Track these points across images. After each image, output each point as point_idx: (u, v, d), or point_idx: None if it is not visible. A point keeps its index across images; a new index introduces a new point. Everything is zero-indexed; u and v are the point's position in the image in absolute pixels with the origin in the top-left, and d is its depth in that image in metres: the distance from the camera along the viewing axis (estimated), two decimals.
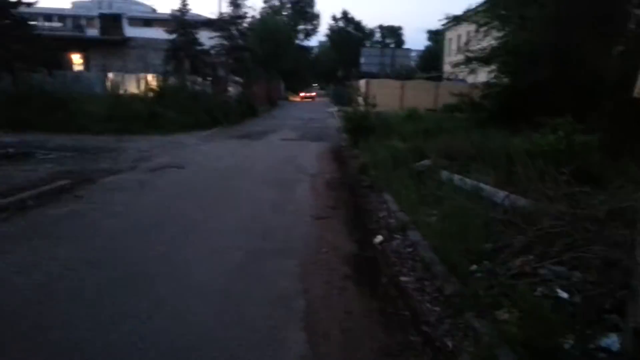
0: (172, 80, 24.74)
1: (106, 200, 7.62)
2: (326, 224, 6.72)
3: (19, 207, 6.88)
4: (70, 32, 39.72)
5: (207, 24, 33.32)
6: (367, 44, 76.66)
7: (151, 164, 11.10)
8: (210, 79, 29.95)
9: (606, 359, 2.93)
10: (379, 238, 5.93)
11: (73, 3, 48.14)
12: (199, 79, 28.21)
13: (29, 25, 27.97)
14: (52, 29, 36.54)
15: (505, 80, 17.17)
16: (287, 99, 58.10)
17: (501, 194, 5.86)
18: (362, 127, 14.10)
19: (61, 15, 43.14)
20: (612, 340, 3.05)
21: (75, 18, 43.11)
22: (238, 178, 9.91)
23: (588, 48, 12.77)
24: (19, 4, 27.11)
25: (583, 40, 12.95)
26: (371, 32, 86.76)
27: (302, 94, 65.11)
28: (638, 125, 3.80)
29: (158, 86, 22.95)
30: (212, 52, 32.27)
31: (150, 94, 21.90)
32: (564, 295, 3.62)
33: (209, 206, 7.55)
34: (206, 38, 32.43)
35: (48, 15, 40.39)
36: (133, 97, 21.39)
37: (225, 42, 32.44)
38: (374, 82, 32.67)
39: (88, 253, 5.22)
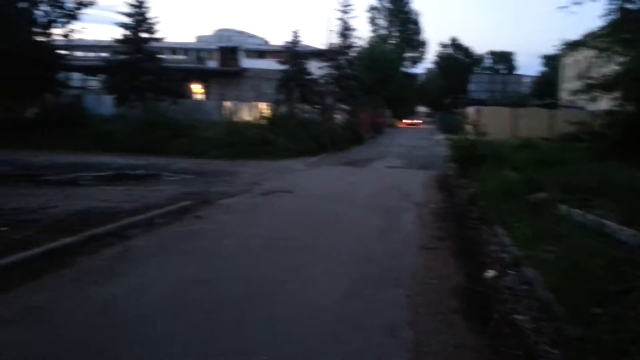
0: (282, 108, 25.93)
1: (222, 221, 8.13)
2: (433, 254, 6.62)
3: (148, 223, 7.57)
4: (192, 64, 43.20)
5: (317, 54, 34.64)
6: (477, 70, 74.82)
7: (262, 187, 11.67)
8: (318, 107, 30.96)
9: None
10: (490, 272, 5.73)
11: (197, 37, 52.45)
12: (308, 107, 29.26)
13: (158, 58, 30.91)
14: (176, 61, 40.06)
15: (630, 108, 15.92)
16: (392, 126, 58.14)
17: (628, 232, 5.43)
18: (470, 156, 13.75)
19: (185, 49, 47.16)
20: None
21: (197, 51, 46.91)
22: (344, 204, 10.09)
23: None
24: (150, 39, 30.13)
25: None
26: (481, 58, 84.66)
27: (405, 121, 65.42)
28: None
29: (269, 114, 24.16)
30: (321, 81, 33.40)
31: (263, 122, 23.10)
32: None
33: (316, 230, 7.77)
34: (315, 67, 33.71)
35: (174, 49, 44.34)
36: (246, 124, 22.74)
37: (333, 71, 33.45)
38: (484, 109, 31.78)
39: (205, 270, 5.60)
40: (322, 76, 33.67)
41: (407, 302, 4.86)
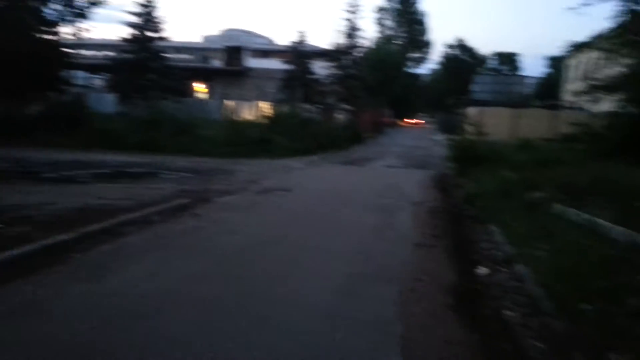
0: (284, 107, 26.00)
1: (219, 219, 8.17)
2: (428, 252, 6.67)
3: (145, 221, 7.61)
4: (197, 63, 43.28)
5: (322, 54, 34.68)
6: (481, 71, 74.71)
7: (260, 186, 11.71)
8: (320, 106, 31.01)
9: None
10: (482, 270, 5.76)
11: (204, 37, 52.55)
12: (310, 107, 29.33)
13: (162, 57, 31.04)
14: (181, 60, 40.13)
15: (633, 110, 15.92)
16: (393, 126, 58.16)
17: (620, 230, 5.45)
18: (469, 156, 13.78)
19: (191, 48, 47.24)
20: None
21: (203, 50, 47.00)
22: (341, 202, 10.13)
23: None
24: (156, 39, 30.25)
25: None
26: (485, 59, 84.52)
27: (406, 121, 66.50)
28: None
29: (271, 113, 24.23)
30: (324, 80, 33.45)
31: (264, 121, 23.17)
32: None
33: (312, 228, 7.81)
34: (319, 67, 33.76)
35: (179, 48, 44.43)
36: (247, 123, 22.83)
37: (337, 72, 33.48)
38: (485, 110, 31.75)
39: (201, 267, 5.64)
40: (325, 76, 33.70)
41: (399, 298, 4.91)
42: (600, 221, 6.16)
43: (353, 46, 34.99)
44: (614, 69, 17.24)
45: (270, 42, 52.64)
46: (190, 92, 41.25)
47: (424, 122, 72.04)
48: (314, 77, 33.65)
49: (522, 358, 3.70)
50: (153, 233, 7.07)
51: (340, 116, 32.37)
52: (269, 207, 9.41)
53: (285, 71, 33.79)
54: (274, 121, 22.78)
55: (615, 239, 5.40)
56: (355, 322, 4.28)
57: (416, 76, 76.48)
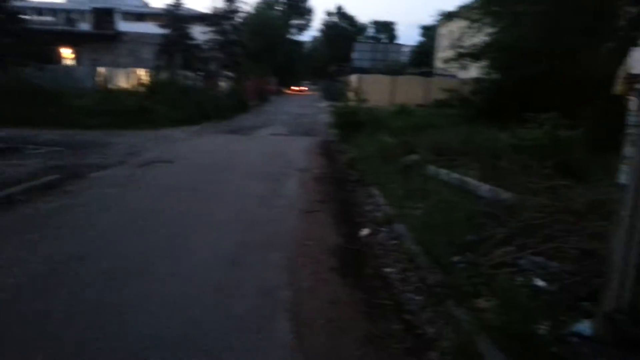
0: (163, 74, 24.66)
1: (95, 195, 7.64)
2: (314, 217, 6.80)
3: (8, 201, 6.88)
4: (62, 27, 39.37)
5: (201, 18, 33.20)
6: (360, 39, 76.66)
7: (140, 158, 11.11)
8: (201, 73, 29.88)
9: (578, 342, 3.03)
10: (365, 231, 6.02)
11: None
12: (190, 74, 28.13)
13: (21, 19, 27.75)
14: (43, 23, 36.19)
15: (496, 76, 17.32)
16: (278, 94, 58.05)
17: (485, 188, 5.96)
18: (351, 122, 14.18)
19: (53, 9, 42.80)
20: (584, 326, 3.15)
21: (67, 12, 42.77)
22: (227, 172, 9.95)
23: (578, 45, 12.91)
24: None
25: (573, 37, 13.10)
26: (364, 27, 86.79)
27: (293, 88, 68.38)
28: (620, 122, 3.86)
29: (149, 81, 22.89)
30: (205, 46, 32.16)
31: (141, 89, 21.84)
32: (541, 284, 3.72)
33: (198, 200, 7.59)
34: (199, 33, 32.31)
35: (40, 9, 40.08)
36: (123, 91, 21.35)
37: (217, 37, 32.35)
38: (365, 77, 32.74)
39: (76, 247, 5.26)
40: (205, 41, 32.38)
41: (287, 264, 4.97)
42: (469, 180, 6.69)
43: (233, 11, 33.93)
44: (479, 38, 18.56)
45: (145, 4, 49.40)
46: (57, 58, 37.53)
47: (308, 89, 72.96)
48: (194, 42, 32.12)
49: (401, 311, 3.95)
50: (19, 215, 6.44)
51: (223, 84, 31.48)
52: (150, 180, 8.97)
53: (162, 36, 31.88)
54: (152, 89, 21.51)
55: (482, 195, 5.89)
56: (243, 290, 4.28)
57: (299, 43, 76.65)
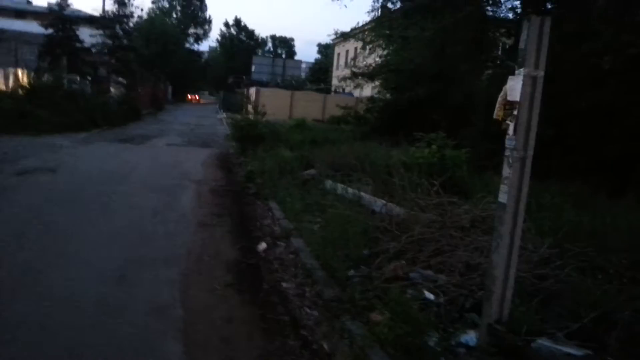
0: (46, 77, 22.82)
1: None
2: (210, 231, 6.62)
3: None
4: None
5: (89, 20, 31.26)
6: (259, 52, 76.90)
7: (17, 167, 10.14)
8: (90, 78, 28.11)
9: (465, 353, 3.22)
10: (262, 245, 5.96)
11: None
12: (78, 78, 26.35)
13: None
14: None
15: (388, 96, 18.19)
16: (175, 103, 56.28)
17: (379, 203, 6.18)
18: (250, 135, 14.09)
19: None
20: (470, 336, 3.36)
21: None
22: (117, 183, 9.38)
23: (461, 70, 13.99)
24: None
25: (457, 62, 14.17)
26: (263, 41, 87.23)
27: (191, 97, 69.77)
28: (501, 143, 4.24)
29: (29, 83, 21.08)
30: (94, 50, 30.32)
31: (20, 91, 20.05)
32: (431, 296, 3.91)
33: (83, 213, 7.05)
34: (87, 35, 30.39)
35: None
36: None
37: (108, 41, 30.68)
38: (264, 90, 32.81)
39: None
40: (94, 45, 30.55)
41: (180, 280, 4.77)
42: (364, 195, 6.91)
43: (125, 15, 32.49)
44: (373, 59, 19.44)
45: (26, 1, 45.64)
46: None
47: (207, 100, 71.90)
48: (82, 45, 30.16)
49: (298, 327, 3.94)
50: None
51: (114, 90, 29.86)
52: (28, 192, 8.21)
53: (46, 36, 29.56)
54: (33, 92, 19.82)
55: (376, 210, 6.10)
56: (131, 310, 4.02)
57: (197, 53, 75.12)
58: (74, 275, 4.69)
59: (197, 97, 72.96)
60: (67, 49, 29.51)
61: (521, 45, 3.14)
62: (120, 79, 31.14)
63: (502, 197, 3.24)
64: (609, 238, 4.87)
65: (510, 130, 3.21)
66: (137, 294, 4.36)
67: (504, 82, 3.31)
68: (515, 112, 3.18)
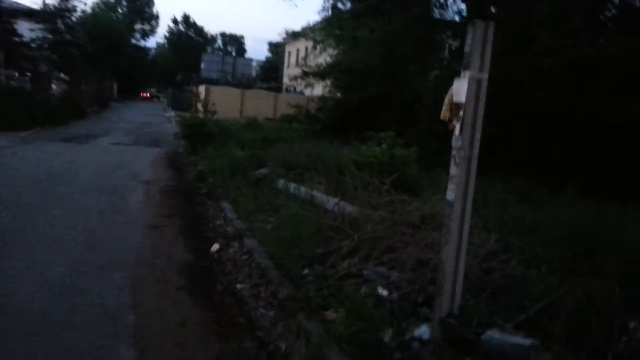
0: None
1: None
2: (161, 233, 6.49)
3: None
4: None
5: (28, 14, 29.81)
6: (209, 50, 75.71)
7: None
8: (29, 74, 26.84)
9: (418, 347, 3.30)
10: (215, 246, 5.90)
11: None
12: (16, 74, 25.11)
13: None
14: None
15: (339, 95, 18.34)
16: (121, 100, 54.56)
17: (331, 202, 6.23)
18: (200, 133, 13.86)
19: None
20: (423, 331, 3.44)
21: None
22: (61, 185, 9.03)
23: (409, 71, 14.29)
24: None
25: (405, 63, 14.46)
26: (213, 39, 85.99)
27: (142, 95, 69.28)
28: (448, 142, 4.40)
29: None
30: (34, 45, 28.96)
31: None
32: (384, 293, 3.98)
33: (22, 218, 6.73)
34: (26, 29, 28.98)
35: None
36: None
37: (49, 36, 29.38)
38: (215, 88, 32.32)
39: None
40: (34, 39, 29.18)
41: (130, 285, 4.66)
42: (316, 194, 6.94)
43: (67, 9, 31.19)
44: (323, 58, 19.56)
45: None
46: None
47: (155, 97, 70.29)
48: (20, 40, 28.76)
49: (254, 328, 3.93)
50: None
51: (56, 87, 28.65)
52: None
53: None
54: None
55: (329, 209, 6.14)
56: (79, 320, 3.88)
57: (144, 49, 73.27)
58: (9, 286, 4.45)
59: (149, 95, 72.17)
60: (4, 43, 28.02)
61: (466, 48, 3.24)
62: (62, 75, 29.92)
63: (450, 195, 3.34)
64: (551, 231, 5.11)
65: (457, 131, 3.30)
66: (83, 300, 4.21)
67: (451, 83, 3.40)
68: (461, 113, 3.27)
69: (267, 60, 72.67)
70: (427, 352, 3.22)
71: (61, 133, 18.39)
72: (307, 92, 25.53)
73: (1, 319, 3.76)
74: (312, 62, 21.04)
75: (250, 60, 66.62)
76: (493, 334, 3.16)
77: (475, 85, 3.24)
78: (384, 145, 8.34)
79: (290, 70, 40.67)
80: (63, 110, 23.63)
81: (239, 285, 4.76)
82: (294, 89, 29.66)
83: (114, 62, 50.62)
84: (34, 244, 5.62)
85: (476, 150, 3.33)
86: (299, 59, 37.76)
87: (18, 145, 14.21)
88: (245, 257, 5.47)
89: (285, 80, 42.58)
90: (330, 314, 3.74)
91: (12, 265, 4.90)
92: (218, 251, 5.76)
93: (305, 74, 19.49)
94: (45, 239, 5.87)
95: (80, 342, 3.54)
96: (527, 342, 3.06)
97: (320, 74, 19.00)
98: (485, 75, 3.26)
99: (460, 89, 3.27)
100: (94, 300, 4.24)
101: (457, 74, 3.33)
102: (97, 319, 3.90)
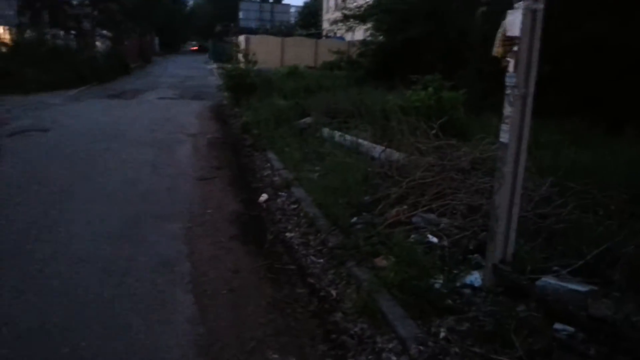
0: (28, 33, 22.13)
1: None
2: (210, 184, 6.62)
3: None
4: None
5: None
6: None
7: (9, 127, 10.01)
8: (74, 32, 27.27)
9: (470, 293, 3.28)
10: (263, 196, 5.97)
11: None
12: (62, 33, 25.55)
13: None
14: None
15: (381, 38, 17.74)
16: (163, 54, 54.93)
17: (378, 149, 6.16)
18: (243, 84, 13.83)
19: None
20: (474, 277, 3.41)
21: None
22: (112, 140, 9.29)
23: (455, 8, 13.60)
24: None
25: (451, 0, 13.76)
26: None
27: (191, 48, 72.50)
28: (497, 83, 4.18)
29: (11, 40, 20.47)
30: (75, 2, 29.26)
31: (3, 49, 19.52)
32: (434, 240, 3.95)
33: (80, 171, 7.01)
34: None
35: None
36: None
37: None
38: (254, 38, 32.02)
39: None
40: None
41: (184, 235, 4.81)
42: (362, 141, 6.86)
43: None
44: (365, 0, 18.85)
45: None
46: None
47: (205, 49, 70.61)
48: None
49: (305, 275, 4.00)
50: None
51: (100, 44, 29.07)
52: (23, 151, 8.13)
53: None
54: (17, 50, 19.29)
55: (375, 156, 6.08)
56: (138, 267, 4.07)
57: (181, 1, 72.70)
58: (75, 233, 4.72)
59: (196, 47, 73.44)
60: (47, 2, 28.47)
61: None
62: (105, 32, 30.26)
63: (504, 137, 3.21)
64: (609, 174, 4.88)
65: (511, 67, 3.13)
66: (141, 250, 4.40)
67: (499, 18, 3.20)
68: (515, 48, 3.09)
69: (306, 5, 70.86)
70: (480, 298, 3.20)
71: (109, 89, 18.79)
72: (348, 37, 24.87)
73: (65, 269, 3.98)
74: (352, 4, 20.34)
75: (289, 6, 65.34)
76: (548, 280, 3.08)
77: (530, 16, 3.03)
78: (430, 89, 8.07)
79: (329, 14, 39.56)
80: (109, 67, 24.02)
81: (288, 234, 4.83)
82: (335, 34, 28.91)
83: (153, 16, 50.63)
84: (92, 197, 5.86)
85: (532, 88, 3.16)
86: (338, 2, 36.62)
87: (69, 102, 14.64)
88: (293, 206, 5.53)
89: (325, 26, 41.54)
90: (380, 261, 3.76)
91: (72, 218, 5.14)
92: (266, 201, 5.84)
93: (345, 17, 18.90)
94: (101, 191, 6.10)
95: (140, 289, 3.71)
96: (584, 288, 2.96)
97: (361, 16, 18.36)
98: (540, 5, 3.04)
99: (513, 22, 3.07)
100: (151, 250, 4.41)
101: (507, 8, 3.12)
102: (155, 267, 4.07)
